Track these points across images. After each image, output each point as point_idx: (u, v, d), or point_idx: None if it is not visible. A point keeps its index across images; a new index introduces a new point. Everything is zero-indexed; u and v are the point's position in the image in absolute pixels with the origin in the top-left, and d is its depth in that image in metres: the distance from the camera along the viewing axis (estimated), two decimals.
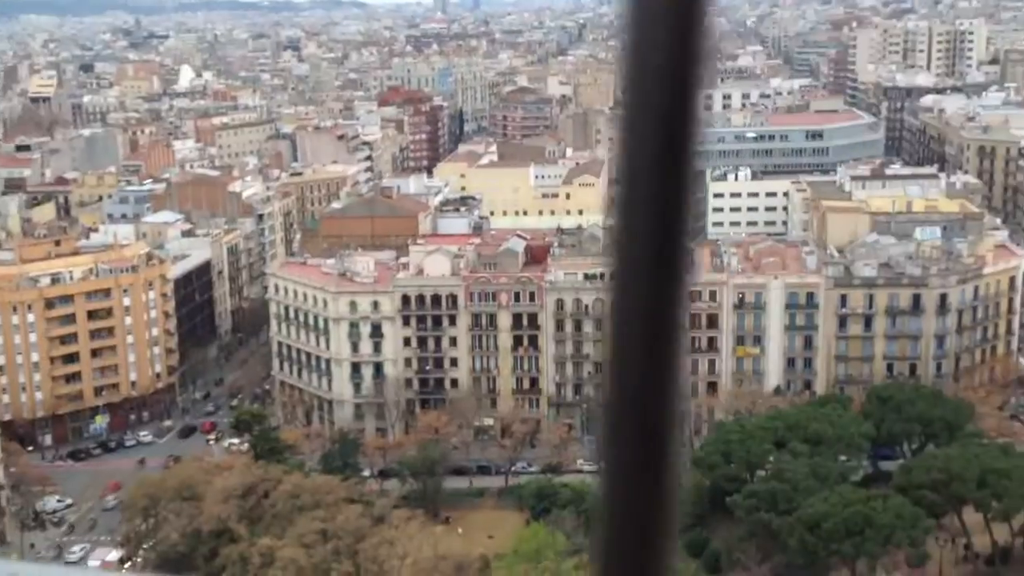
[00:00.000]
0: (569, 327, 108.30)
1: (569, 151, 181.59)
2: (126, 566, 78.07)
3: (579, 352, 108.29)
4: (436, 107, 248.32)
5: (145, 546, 77.20)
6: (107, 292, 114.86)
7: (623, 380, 1.57)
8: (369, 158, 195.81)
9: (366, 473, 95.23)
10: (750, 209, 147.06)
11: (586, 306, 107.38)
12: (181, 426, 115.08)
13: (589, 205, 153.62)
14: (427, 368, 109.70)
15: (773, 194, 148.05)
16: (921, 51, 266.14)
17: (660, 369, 1.58)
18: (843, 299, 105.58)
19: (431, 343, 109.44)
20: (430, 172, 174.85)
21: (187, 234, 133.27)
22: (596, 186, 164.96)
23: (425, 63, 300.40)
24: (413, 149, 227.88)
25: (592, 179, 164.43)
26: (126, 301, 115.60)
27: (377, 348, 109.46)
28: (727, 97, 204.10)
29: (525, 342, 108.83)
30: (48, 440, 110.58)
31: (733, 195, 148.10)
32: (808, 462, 78.95)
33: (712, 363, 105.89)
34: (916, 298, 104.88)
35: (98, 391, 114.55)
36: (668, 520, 1.62)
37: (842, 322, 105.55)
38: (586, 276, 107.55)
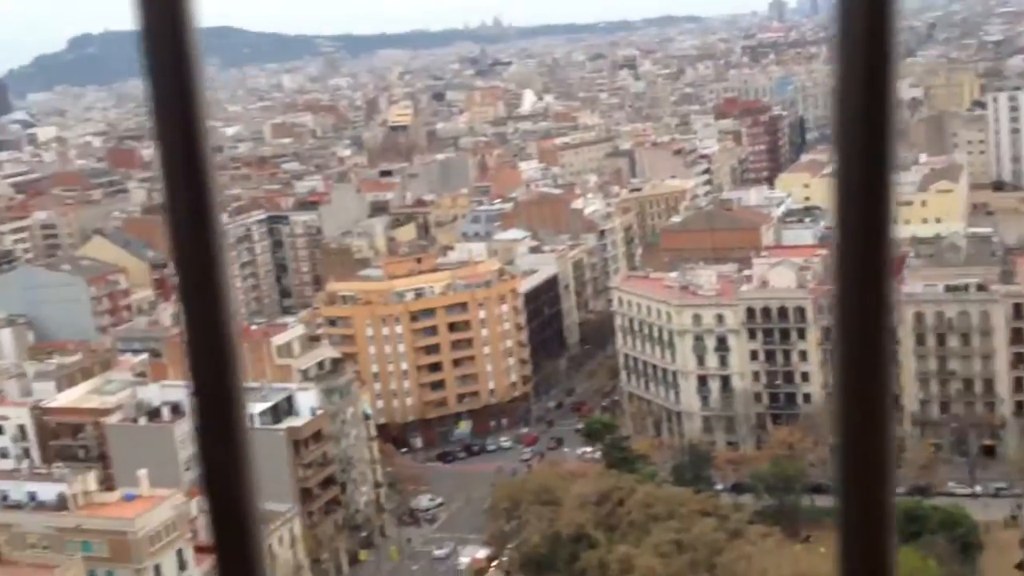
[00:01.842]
0: (931, 341, 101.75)
1: (923, 156, 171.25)
2: (493, 564, 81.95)
3: (944, 368, 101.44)
4: (775, 117, 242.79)
5: (509, 546, 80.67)
6: (464, 306, 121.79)
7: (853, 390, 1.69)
8: (707, 171, 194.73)
9: (718, 487, 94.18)
10: None
11: (949, 319, 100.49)
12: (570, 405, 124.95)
13: (947, 212, 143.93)
14: (777, 382, 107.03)
15: None
16: None
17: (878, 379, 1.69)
18: None
19: (779, 357, 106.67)
20: (771, 183, 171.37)
21: (534, 250, 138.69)
22: (954, 192, 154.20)
23: (762, 73, 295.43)
24: (752, 161, 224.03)
25: (949, 185, 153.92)
26: (481, 314, 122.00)
27: (723, 361, 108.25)
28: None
29: None
30: (418, 443, 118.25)
31: None
32: None
33: None
34: None
35: (460, 398, 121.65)
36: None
37: None
38: (947, 288, 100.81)
